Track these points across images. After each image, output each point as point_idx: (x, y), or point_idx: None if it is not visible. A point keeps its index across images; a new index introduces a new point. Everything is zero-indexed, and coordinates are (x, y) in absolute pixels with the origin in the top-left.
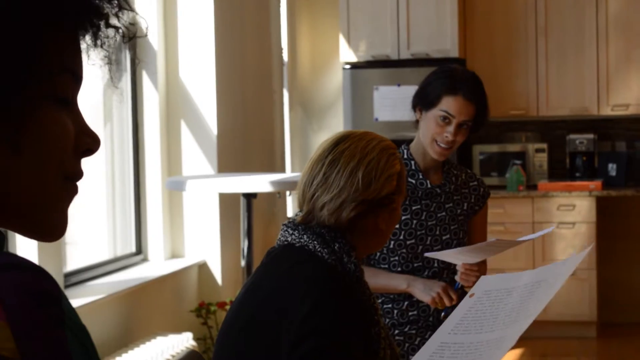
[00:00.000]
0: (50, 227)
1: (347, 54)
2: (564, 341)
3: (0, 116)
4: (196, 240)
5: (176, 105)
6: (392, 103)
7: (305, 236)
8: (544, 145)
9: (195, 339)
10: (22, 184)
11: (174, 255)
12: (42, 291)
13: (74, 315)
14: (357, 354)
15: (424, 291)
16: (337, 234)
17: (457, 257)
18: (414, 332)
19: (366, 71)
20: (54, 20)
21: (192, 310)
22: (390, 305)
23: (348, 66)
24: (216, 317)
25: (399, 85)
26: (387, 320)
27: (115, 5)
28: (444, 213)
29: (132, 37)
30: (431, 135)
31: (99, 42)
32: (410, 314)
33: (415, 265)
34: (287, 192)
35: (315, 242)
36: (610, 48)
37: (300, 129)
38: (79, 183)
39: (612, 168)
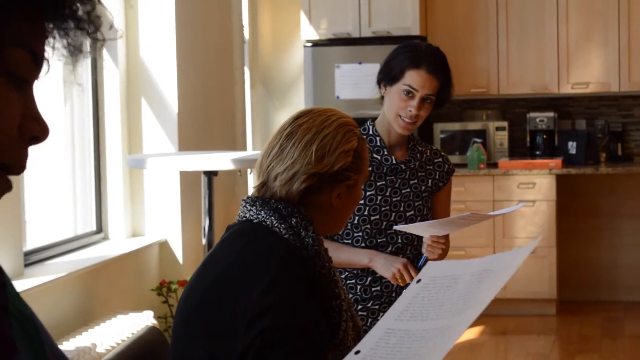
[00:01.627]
0: None
1: (308, 32)
2: (524, 319)
3: None
4: (157, 218)
5: (137, 83)
6: (354, 81)
7: (262, 212)
8: (505, 124)
9: (156, 317)
10: None
11: (135, 233)
12: None
13: (19, 303)
14: (314, 331)
15: (385, 266)
16: (294, 209)
17: (426, 229)
18: (377, 307)
19: (327, 49)
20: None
21: (153, 289)
22: (353, 281)
23: (309, 44)
24: (177, 295)
25: (360, 63)
26: (350, 295)
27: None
28: (408, 189)
29: (96, 30)
30: (395, 110)
31: (62, 32)
32: (373, 289)
33: (379, 241)
34: (248, 170)
35: (272, 217)
36: (570, 26)
37: (262, 107)
38: (22, 176)
39: (572, 146)
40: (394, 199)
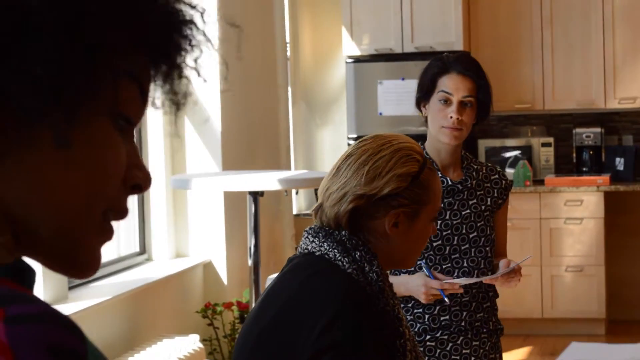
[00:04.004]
0: (82, 262)
1: (350, 48)
2: (573, 339)
3: (50, 103)
4: (201, 239)
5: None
6: (397, 97)
7: (325, 244)
8: (550, 140)
9: (201, 340)
10: (60, 200)
11: (179, 254)
12: (63, 348)
13: None
14: None
15: (418, 296)
16: (359, 242)
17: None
18: (445, 337)
19: (370, 65)
20: (129, 27)
21: (197, 311)
22: (421, 310)
23: (351, 60)
24: (222, 317)
25: (403, 79)
26: (419, 325)
27: (192, 49)
28: (468, 210)
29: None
30: (438, 122)
31: (165, 77)
32: (442, 318)
33: (444, 267)
34: (293, 191)
35: (335, 250)
36: (616, 39)
37: (304, 125)
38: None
39: (619, 162)
40: (454, 222)
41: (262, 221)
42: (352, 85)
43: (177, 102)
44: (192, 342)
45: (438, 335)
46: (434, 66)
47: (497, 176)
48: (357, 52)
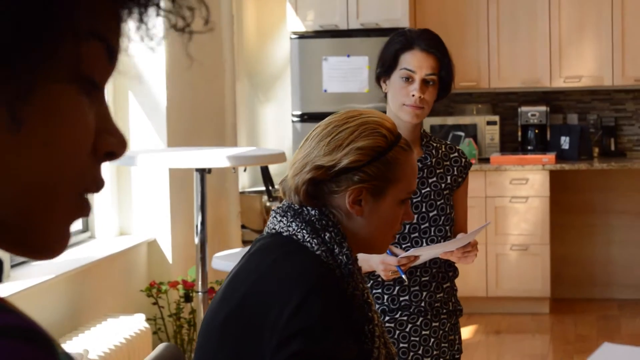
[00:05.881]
0: (48, 246)
1: (294, 24)
2: (517, 317)
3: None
4: (145, 216)
5: (123, 75)
6: (342, 74)
7: (293, 224)
8: (496, 118)
9: (146, 319)
10: (17, 183)
11: (122, 232)
12: None
13: None
14: (347, 356)
15: (379, 272)
16: (329, 222)
17: (442, 248)
18: (405, 318)
19: (314, 41)
20: None
21: (142, 290)
22: (380, 290)
23: (295, 36)
24: (167, 296)
25: (348, 55)
26: (377, 306)
27: None
28: (428, 188)
29: (185, 27)
30: (399, 100)
31: (142, 27)
32: (401, 299)
33: (404, 246)
34: (242, 168)
35: (304, 230)
36: (563, 18)
37: (247, 101)
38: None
39: (564, 141)
40: (414, 200)
41: (208, 199)
42: (296, 62)
43: (148, 45)
44: (138, 322)
45: (397, 316)
46: (396, 41)
47: (456, 154)
48: (301, 28)
